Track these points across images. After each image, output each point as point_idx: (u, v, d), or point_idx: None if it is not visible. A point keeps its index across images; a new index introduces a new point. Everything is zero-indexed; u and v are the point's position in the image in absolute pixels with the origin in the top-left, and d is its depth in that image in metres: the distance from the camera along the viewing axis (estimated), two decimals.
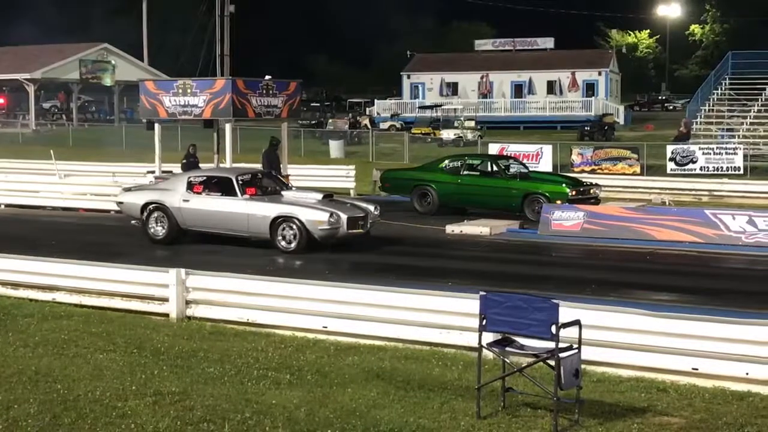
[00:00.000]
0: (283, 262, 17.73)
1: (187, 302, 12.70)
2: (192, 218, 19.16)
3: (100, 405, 8.56)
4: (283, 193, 19.34)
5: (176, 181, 20.29)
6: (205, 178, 19.79)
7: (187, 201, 19.17)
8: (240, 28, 50.60)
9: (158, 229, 19.49)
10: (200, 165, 26.06)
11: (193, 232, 19.38)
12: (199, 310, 12.65)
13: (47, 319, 12.43)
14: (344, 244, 18.43)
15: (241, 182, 18.97)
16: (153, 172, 25.02)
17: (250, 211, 18.53)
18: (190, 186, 19.38)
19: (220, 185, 19.24)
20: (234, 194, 18.81)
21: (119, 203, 20.94)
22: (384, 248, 18.51)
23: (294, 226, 18.11)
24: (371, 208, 19.31)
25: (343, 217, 18.19)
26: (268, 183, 19.85)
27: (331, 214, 18.05)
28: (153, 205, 19.56)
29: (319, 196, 19.32)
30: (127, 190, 21.39)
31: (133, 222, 20.21)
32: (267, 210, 18.46)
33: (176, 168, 25.96)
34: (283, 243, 18.21)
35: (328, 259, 17.61)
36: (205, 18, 49.17)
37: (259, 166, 24.49)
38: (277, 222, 18.26)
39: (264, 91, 23.83)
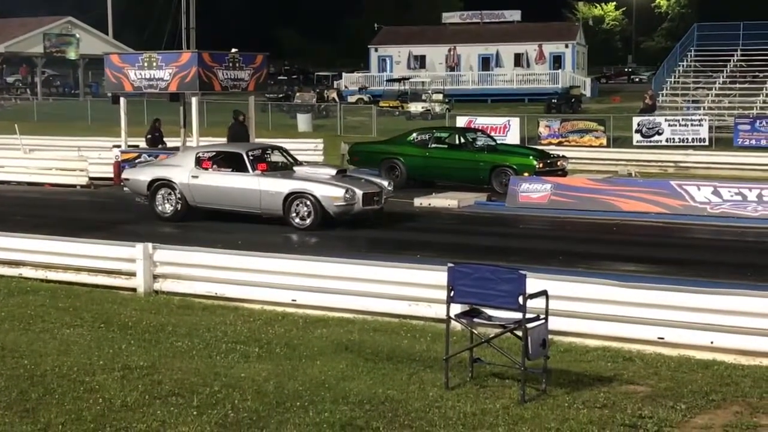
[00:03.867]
0: (297, 239, 17.53)
1: (155, 276, 12.64)
2: (201, 195, 18.75)
3: (68, 380, 8.52)
4: (294, 168, 18.98)
5: (184, 156, 19.89)
6: (214, 153, 19.44)
7: (196, 177, 18.73)
8: (206, 1, 50.23)
9: (166, 207, 19.07)
10: (165, 140, 25.96)
11: (201, 209, 19.03)
12: (167, 285, 12.59)
13: (13, 294, 12.35)
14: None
15: (251, 157, 18.55)
16: (119, 146, 24.83)
17: (262, 187, 18.12)
18: (199, 162, 18.98)
19: (230, 161, 18.87)
20: (245, 170, 18.42)
21: (124, 179, 20.43)
22: (352, 221, 18.47)
23: (308, 203, 17.78)
24: (385, 183, 19.15)
25: (359, 193, 17.88)
26: (279, 158, 19.48)
27: (347, 190, 17.75)
28: (160, 181, 19.15)
29: (333, 171, 19.10)
30: (133, 166, 21.03)
31: (138, 199, 19.83)
32: (280, 186, 18.07)
33: (141, 142, 25.80)
34: (297, 220, 17.88)
35: (319, 235, 17.61)
36: None
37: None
38: (290, 198, 17.92)
39: (230, 65, 23.67)
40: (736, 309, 9.48)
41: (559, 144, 34.64)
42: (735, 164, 29.55)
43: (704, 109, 42.26)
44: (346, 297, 11.41)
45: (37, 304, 11.75)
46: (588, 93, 61.48)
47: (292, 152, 20.54)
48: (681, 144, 35.44)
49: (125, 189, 20.63)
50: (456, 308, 8.68)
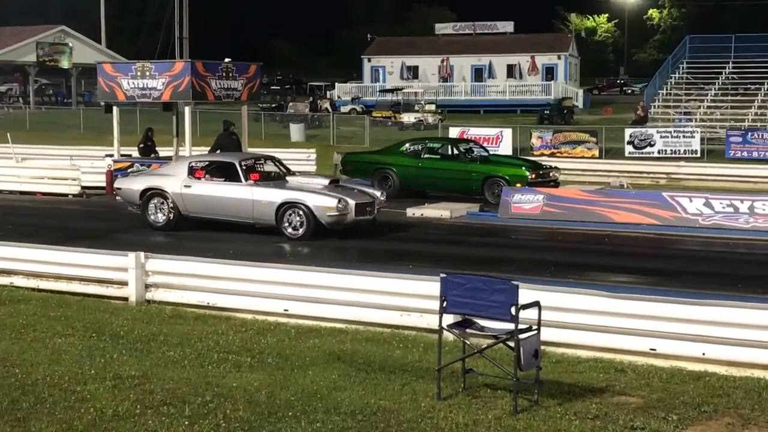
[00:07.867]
0: (290, 249, 17.50)
1: (147, 286, 12.62)
2: (194, 205, 18.72)
3: (59, 389, 8.50)
4: (287, 178, 19.00)
5: (177, 166, 19.90)
6: (206, 163, 19.44)
7: (189, 187, 18.71)
8: (199, 11, 50.26)
9: (158, 216, 19.00)
10: (157, 149, 25.95)
11: (194, 219, 18.95)
12: (159, 294, 12.57)
13: (5, 303, 12.31)
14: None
15: (244, 167, 18.56)
16: (112, 155, 24.82)
17: (255, 197, 18.12)
18: (192, 171, 18.93)
19: (223, 170, 18.86)
20: (238, 180, 18.42)
21: (117, 189, 20.37)
22: (344, 231, 18.47)
23: (301, 213, 17.76)
24: (377, 193, 19.20)
25: (351, 203, 17.91)
26: (271, 168, 19.48)
27: (340, 200, 17.75)
28: (152, 191, 19.09)
29: (325, 181, 19.15)
30: (125, 175, 21.00)
31: (130, 209, 19.79)
32: (273, 196, 18.07)
33: (134, 152, 25.79)
34: (289, 230, 17.86)
35: (313, 245, 17.59)
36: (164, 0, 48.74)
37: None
38: (283, 208, 17.90)
39: (224, 74, 23.70)
40: (727, 320, 9.50)
41: (552, 155, 34.70)
42: (727, 176, 29.64)
43: (696, 121, 42.36)
44: (339, 307, 11.40)
45: (29, 313, 11.72)
46: (580, 104, 61.64)
47: (284, 162, 20.53)
48: (673, 156, 35.51)
49: (118, 198, 20.62)
50: (448, 318, 8.68)
